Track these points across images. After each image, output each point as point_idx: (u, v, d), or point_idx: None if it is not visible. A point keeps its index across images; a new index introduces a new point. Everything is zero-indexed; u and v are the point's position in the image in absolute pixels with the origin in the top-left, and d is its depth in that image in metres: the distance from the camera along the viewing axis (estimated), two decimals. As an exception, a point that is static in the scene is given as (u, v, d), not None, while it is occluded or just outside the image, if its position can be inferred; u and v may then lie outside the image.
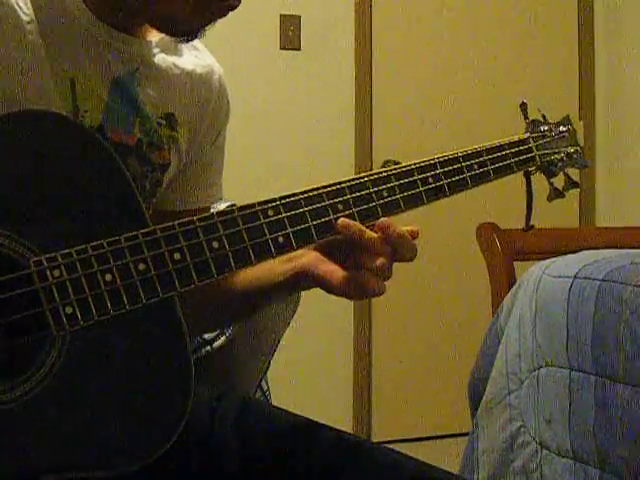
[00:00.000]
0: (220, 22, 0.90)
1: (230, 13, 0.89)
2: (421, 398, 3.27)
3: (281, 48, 3.12)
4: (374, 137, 3.23)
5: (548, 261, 1.72)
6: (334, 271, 0.86)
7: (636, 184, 3.32)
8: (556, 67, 3.46)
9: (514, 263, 1.94)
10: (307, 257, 0.89)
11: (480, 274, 2.04)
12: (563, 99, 3.40)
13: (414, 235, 0.87)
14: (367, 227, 0.85)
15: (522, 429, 1.65)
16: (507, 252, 1.92)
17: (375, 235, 0.84)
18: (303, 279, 0.90)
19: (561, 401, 1.53)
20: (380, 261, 0.83)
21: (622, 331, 1.41)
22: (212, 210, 1.11)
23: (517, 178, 1.03)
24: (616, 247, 1.76)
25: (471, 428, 1.79)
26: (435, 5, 3.32)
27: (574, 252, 1.73)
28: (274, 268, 0.92)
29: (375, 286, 0.84)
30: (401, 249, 0.85)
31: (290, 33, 3.11)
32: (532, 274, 1.72)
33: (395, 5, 3.27)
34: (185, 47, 1.00)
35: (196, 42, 1.02)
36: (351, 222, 0.84)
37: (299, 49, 3.13)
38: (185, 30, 0.90)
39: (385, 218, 0.85)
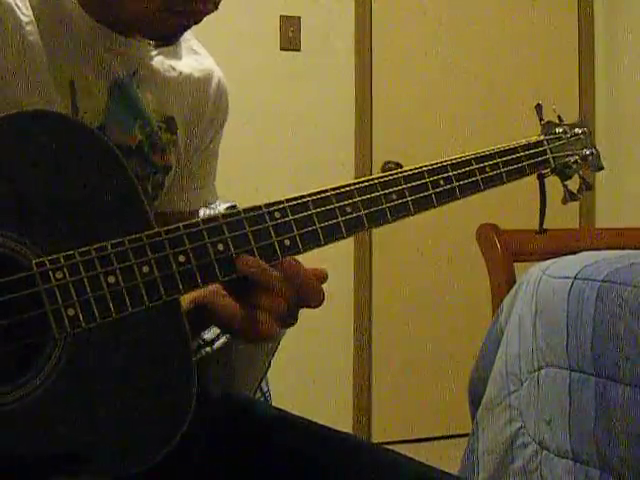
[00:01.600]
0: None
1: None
2: (421, 399, 3.27)
3: (281, 49, 3.12)
4: (374, 137, 3.23)
5: (548, 262, 1.72)
6: (229, 306, 0.80)
7: (636, 184, 3.32)
8: (556, 67, 3.47)
9: (514, 263, 1.94)
10: (205, 290, 0.82)
11: (480, 274, 2.04)
12: (563, 99, 3.40)
13: (321, 276, 0.79)
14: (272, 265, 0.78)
15: (522, 430, 1.65)
16: (507, 253, 1.92)
17: (276, 274, 0.77)
18: (203, 312, 0.84)
19: (561, 402, 1.53)
20: (276, 301, 0.77)
21: (622, 331, 1.41)
22: (211, 211, 1.10)
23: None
24: (616, 248, 1.76)
25: (471, 429, 1.79)
26: (435, 6, 3.32)
27: (574, 253, 1.74)
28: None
29: (264, 326, 0.77)
30: (305, 293, 0.78)
31: (290, 34, 3.11)
32: (532, 275, 1.72)
33: (395, 5, 3.27)
34: (185, 51, 1.00)
35: (197, 46, 1.02)
36: (251, 259, 0.77)
37: (299, 50, 3.13)
38: (158, 33, 0.89)
39: (289, 258, 0.78)
